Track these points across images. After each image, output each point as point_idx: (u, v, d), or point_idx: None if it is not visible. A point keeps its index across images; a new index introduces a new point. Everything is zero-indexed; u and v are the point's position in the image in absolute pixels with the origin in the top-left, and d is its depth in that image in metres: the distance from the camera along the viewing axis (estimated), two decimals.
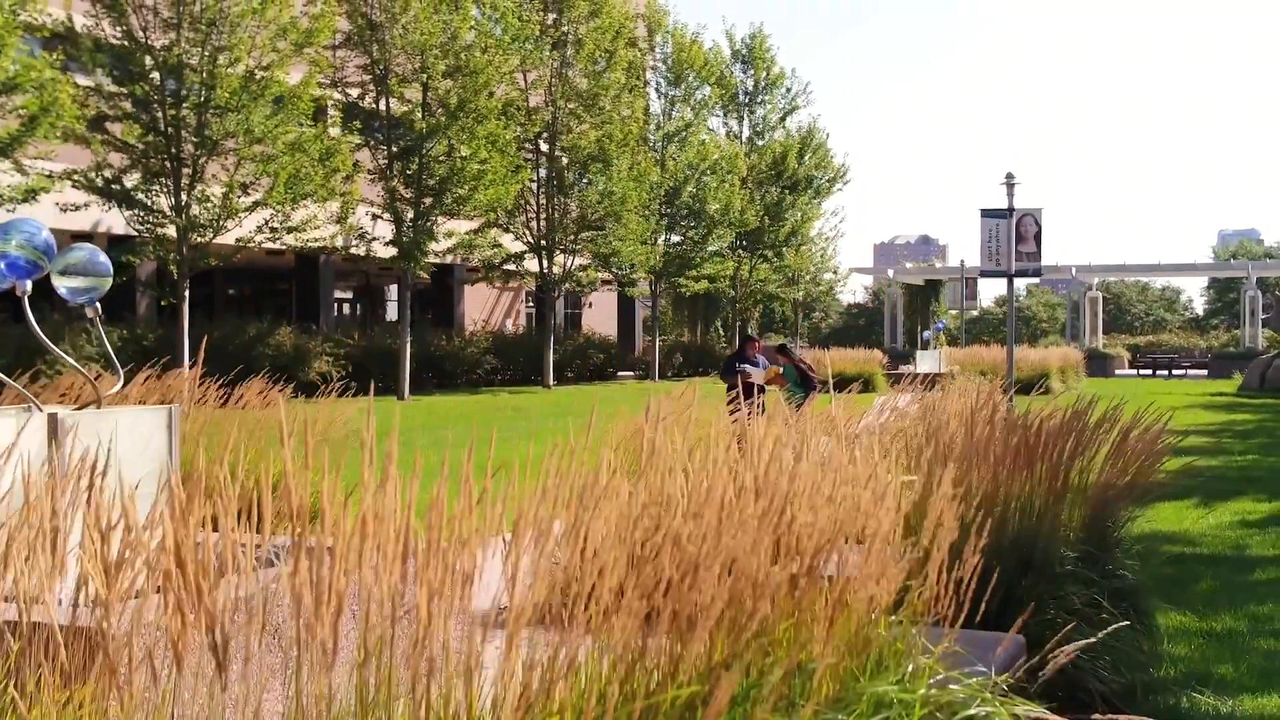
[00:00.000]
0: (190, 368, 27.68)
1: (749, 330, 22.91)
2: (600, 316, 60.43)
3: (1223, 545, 14.14)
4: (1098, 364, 62.38)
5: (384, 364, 38.52)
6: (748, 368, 19.21)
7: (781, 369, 19.82)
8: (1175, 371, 67.33)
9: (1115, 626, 6.39)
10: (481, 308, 52.71)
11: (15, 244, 6.42)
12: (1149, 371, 67.97)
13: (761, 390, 18.87)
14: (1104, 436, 8.24)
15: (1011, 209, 29.05)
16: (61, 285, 6.77)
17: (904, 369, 54.09)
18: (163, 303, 30.46)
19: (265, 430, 10.82)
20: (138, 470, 6.69)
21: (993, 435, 7.19)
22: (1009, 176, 29.05)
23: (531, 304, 56.14)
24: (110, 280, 6.96)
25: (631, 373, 56.97)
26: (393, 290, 48.52)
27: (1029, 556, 6.84)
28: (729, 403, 16.87)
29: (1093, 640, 5.26)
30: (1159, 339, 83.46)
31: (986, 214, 29.36)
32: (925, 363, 51.16)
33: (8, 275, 6.52)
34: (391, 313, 49.74)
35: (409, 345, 36.57)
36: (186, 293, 28.58)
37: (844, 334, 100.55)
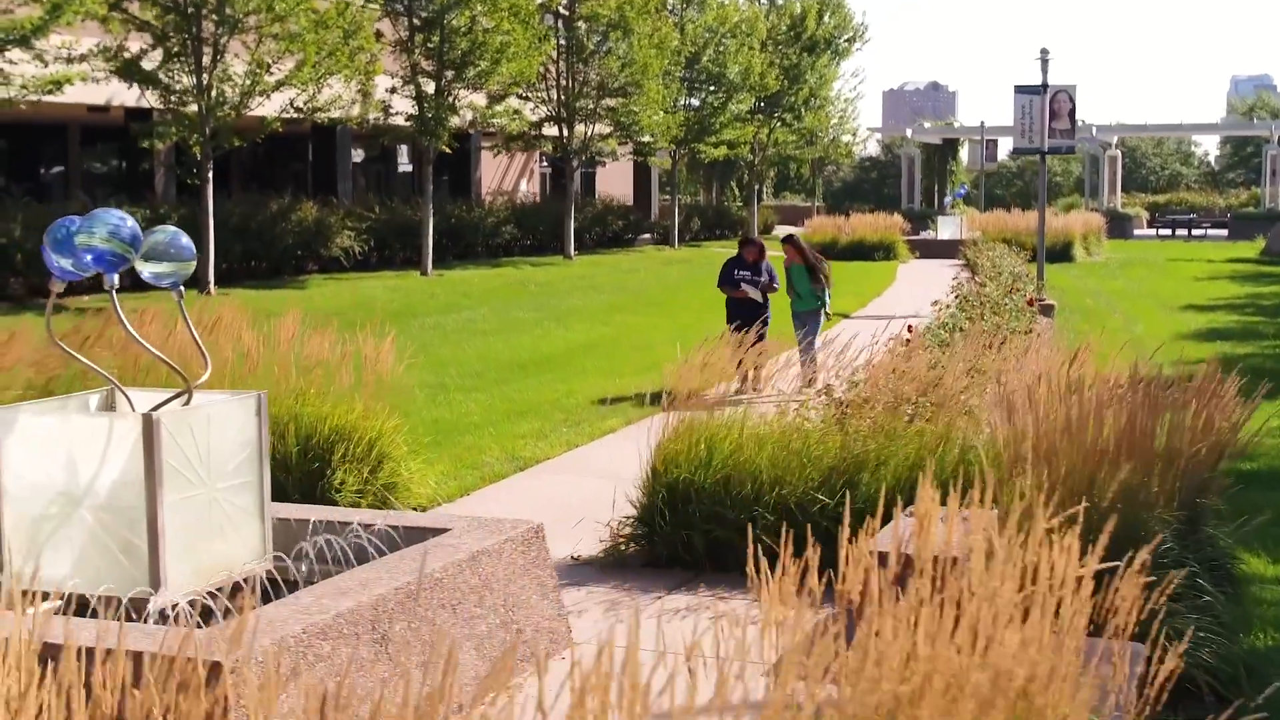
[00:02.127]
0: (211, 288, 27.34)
1: (750, 232, 19.89)
2: (615, 179, 59.86)
3: (1276, 459, 13.93)
4: (1116, 226, 61.89)
5: (405, 236, 38.26)
6: (745, 280, 17.17)
7: (788, 269, 17.66)
8: (1195, 232, 66.76)
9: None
10: (496, 170, 52.25)
11: (100, 237, 6.23)
12: (1168, 232, 67.43)
13: (764, 304, 17.03)
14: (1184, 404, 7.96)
15: (1045, 85, 28.57)
16: (144, 270, 6.58)
17: (924, 234, 53.87)
18: (188, 180, 30.05)
19: (317, 364, 10.58)
20: (231, 460, 6.57)
21: (1088, 420, 6.99)
22: (1043, 52, 28.52)
23: (546, 164, 55.67)
24: (194, 264, 6.76)
25: (649, 236, 56.64)
26: (403, 151, 47.94)
27: (1133, 545, 6.70)
28: (730, 326, 15.64)
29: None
30: (1177, 197, 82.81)
31: (1020, 90, 28.91)
32: (946, 229, 50.95)
33: (92, 267, 6.34)
34: (404, 166, 49.05)
35: (431, 218, 36.18)
36: (210, 174, 28.20)
37: (856, 189, 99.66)
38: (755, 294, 17.06)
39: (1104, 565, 3.83)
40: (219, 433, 6.49)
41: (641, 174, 60.43)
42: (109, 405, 6.96)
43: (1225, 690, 6.77)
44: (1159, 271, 43.00)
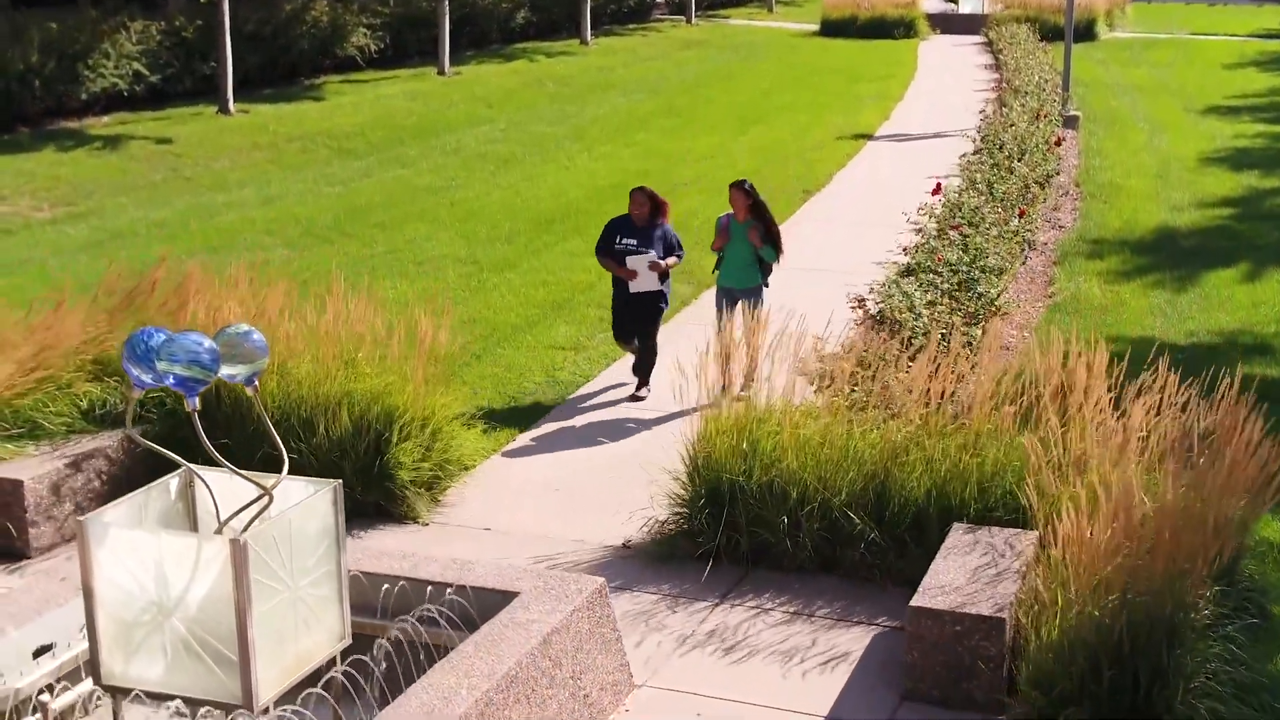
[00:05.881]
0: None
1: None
2: None
3: None
4: None
5: (420, 28, 37.63)
6: (630, 250, 12.16)
7: (726, 226, 12.29)
8: None
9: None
10: None
11: (182, 365, 6.37)
12: None
13: (661, 286, 12.29)
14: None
15: None
16: (221, 371, 6.73)
17: (946, 7, 52.81)
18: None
19: (359, 333, 10.78)
20: (312, 554, 6.84)
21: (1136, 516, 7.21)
22: None
23: None
24: (266, 360, 6.90)
25: (664, 5, 55.60)
26: None
27: (1172, 626, 7.02)
28: (615, 322, 12.80)
29: None
30: None
31: None
32: (968, 4, 50.05)
33: (173, 387, 6.51)
34: None
35: (446, 12, 35.40)
36: None
37: None
38: (644, 278, 12.11)
39: None
40: (300, 533, 6.74)
41: None
42: (188, 486, 7.20)
43: None
44: (1183, 54, 42.37)
